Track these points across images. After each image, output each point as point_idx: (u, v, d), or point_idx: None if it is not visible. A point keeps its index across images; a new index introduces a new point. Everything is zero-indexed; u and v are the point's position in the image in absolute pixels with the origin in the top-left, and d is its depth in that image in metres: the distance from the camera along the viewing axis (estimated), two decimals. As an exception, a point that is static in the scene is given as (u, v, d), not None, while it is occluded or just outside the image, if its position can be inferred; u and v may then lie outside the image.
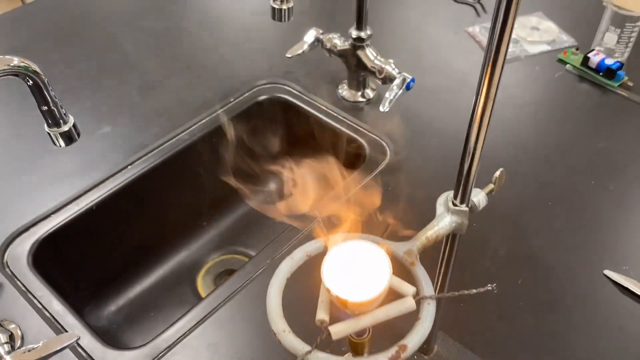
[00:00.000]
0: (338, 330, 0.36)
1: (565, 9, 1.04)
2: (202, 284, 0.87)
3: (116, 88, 0.90)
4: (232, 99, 0.88)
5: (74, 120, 0.54)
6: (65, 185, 0.76)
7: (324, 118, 0.86)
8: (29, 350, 0.54)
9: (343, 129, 0.85)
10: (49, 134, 0.53)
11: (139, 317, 0.83)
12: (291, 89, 0.90)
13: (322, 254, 0.41)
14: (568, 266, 0.67)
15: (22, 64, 0.48)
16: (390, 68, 0.81)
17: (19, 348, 0.59)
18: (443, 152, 0.79)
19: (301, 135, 0.91)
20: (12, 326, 0.61)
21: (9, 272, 0.67)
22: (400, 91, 0.78)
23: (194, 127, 0.85)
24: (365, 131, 0.83)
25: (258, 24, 1.02)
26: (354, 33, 0.81)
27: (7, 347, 0.58)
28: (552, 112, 0.86)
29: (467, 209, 0.43)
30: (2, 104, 0.88)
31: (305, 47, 0.85)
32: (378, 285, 0.36)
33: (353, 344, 0.42)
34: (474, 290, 0.39)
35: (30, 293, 0.65)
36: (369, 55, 0.82)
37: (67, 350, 0.61)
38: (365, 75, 0.86)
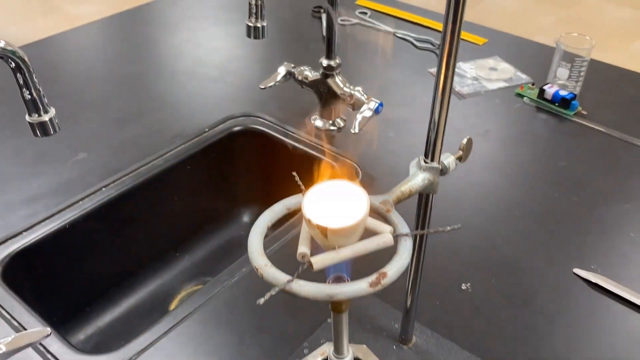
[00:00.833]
0: (318, 260, 0.37)
1: (519, 53, 1.12)
2: (175, 312, 0.85)
3: (92, 121, 0.92)
4: (206, 129, 0.91)
5: (55, 113, 0.56)
6: (39, 205, 0.76)
7: (298, 145, 0.89)
8: (-3, 343, 0.52)
9: (315, 154, 0.87)
10: (29, 122, 0.54)
11: (109, 347, 0.80)
12: (265, 120, 0.93)
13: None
14: (539, 267, 0.69)
15: (9, 48, 0.50)
16: (359, 94, 0.85)
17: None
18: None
19: (275, 163, 0.93)
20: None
21: (-23, 284, 0.65)
22: (370, 114, 0.82)
23: (168, 154, 0.86)
24: (337, 155, 0.86)
25: (232, 65, 1.07)
26: (325, 62, 0.86)
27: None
28: (514, 138, 0.91)
29: (437, 165, 0.45)
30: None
31: (279, 78, 0.89)
32: (356, 215, 0.37)
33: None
34: (448, 228, 0.40)
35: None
36: (339, 83, 0.87)
37: (36, 356, 0.59)
38: (336, 105, 0.90)
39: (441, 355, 0.56)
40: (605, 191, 0.80)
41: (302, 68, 0.90)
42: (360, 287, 0.36)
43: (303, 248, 0.38)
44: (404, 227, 0.40)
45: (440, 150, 0.46)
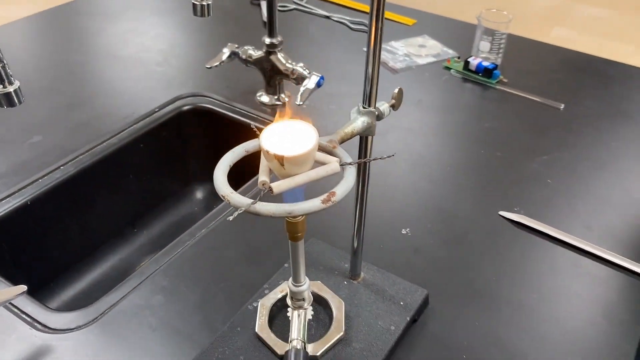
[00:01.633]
0: (278, 185, 0.43)
1: (445, 31, 1.21)
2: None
3: (43, 107, 0.95)
4: (156, 109, 0.95)
5: (19, 85, 0.59)
6: (-2, 184, 0.79)
7: (245, 120, 0.94)
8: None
9: (264, 127, 0.93)
10: (-6, 93, 0.58)
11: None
12: (213, 99, 0.98)
13: (259, 152, 0.49)
14: (469, 212, 0.77)
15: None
16: (302, 69, 0.91)
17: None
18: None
19: (225, 140, 0.98)
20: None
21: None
22: (313, 87, 0.88)
23: (121, 133, 0.90)
24: (283, 127, 0.92)
25: (176, 50, 1.11)
26: (267, 40, 0.92)
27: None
28: (444, 105, 0.99)
29: (374, 110, 0.52)
30: None
31: (224, 57, 0.95)
32: (308, 145, 0.43)
33: (289, 224, 0.49)
34: (385, 156, 0.47)
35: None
36: (282, 60, 0.93)
37: (12, 316, 0.62)
38: (280, 80, 0.96)
39: (387, 286, 0.63)
40: (526, 147, 0.89)
41: (245, 47, 0.95)
42: (314, 204, 0.42)
43: (263, 177, 0.44)
44: (348, 158, 0.47)
45: (375, 99, 0.53)
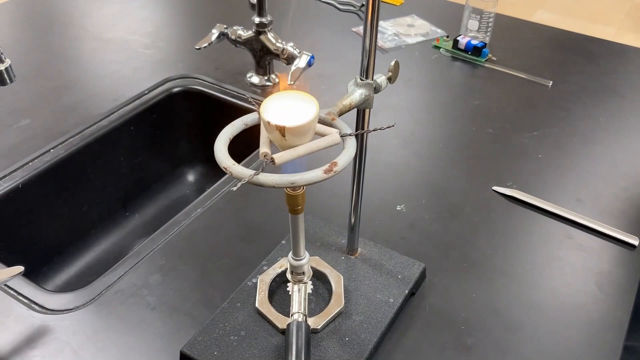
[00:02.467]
0: (279, 156, 0.43)
1: (433, 11, 1.21)
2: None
3: (30, 90, 0.94)
4: (146, 91, 0.94)
5: (10, 64, 0.58)
6: (-12, 168, 0.78)
7: (236, 101, 0.94)
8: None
9: (254, 109, 0.92)
10: (-14, 72, 0.57)
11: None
12: (203, 81, 0.98)
13: (259, 125, 0.49)
14: (463, 188, 0.78)
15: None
16: (292, 48, 0.91)
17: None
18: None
19: (216, 122, 0.98)
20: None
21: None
22: (303, 66, 0.88)
23: (111, 115, 0.89)
24: (274, 107, 0.92)
25: (163, 32, 1.10)
26: (257, 19, 0.91)
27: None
28: (433, 84, 1.00)
29: (371, 82, 0.52)
30: None
31: (213, 38, 0.94)
32: (308, 115, 0.43)
33: (289, 197, 0.49)
34: (385, 126, 0.47)
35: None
36: (272, 40, 0.92)
37: (9, 298, 0.62)
38: (270, 60, 0.95)
39: (384, 261, 0.63)
40: (516, 123, 0.90)
41: (234, 28, 0.94)
42: (316, 174, 0.42)
43: (264, 148, 0.44)
44: (347, 129, 0.47)
45: (373, 71, 0.53)
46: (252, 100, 0.49)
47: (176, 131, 0.99)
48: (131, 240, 0.93)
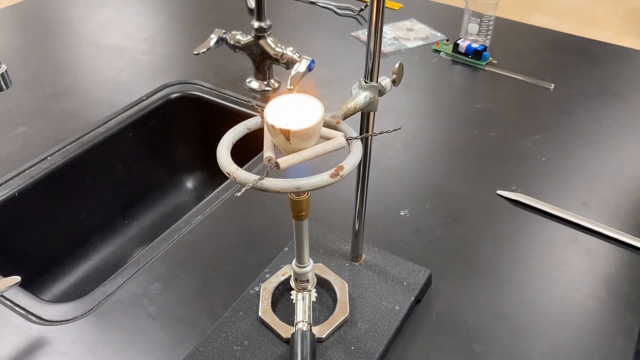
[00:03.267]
0: (284, 160, 0.42)
1: (432, 15, 1.20)
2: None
3: (27, 98, 0.92)
4: (144, 98, 0.93)
5: (6, 69, 0.57)
6: (-16, 176, 0.76)
7: (235, 106, 0.93)
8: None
9: (254, 113, 0.92)
10: (-18, 78, 0.56)
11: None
12: (201, 87, 0.97)
13: (261, 129, 0.48)
14: (467, 192, 0.76)
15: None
16: (291, 53, 0.90)
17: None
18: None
19: (215, 128, 0.97)
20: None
21: None
22: (303, 70, 0.87)
23: (109, 122, 0.88)
24: (274, 113, 0.91)
25: (161, 38, 1.09)
26: (256, 24, 0.90)
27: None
28: (434, 87, 0.99)
29: (376, 84, 0.51)
30: None
31: (212, 43, 0.93)
32: (313, 118, 0.42)
33: (294, 203, 0.48)
34: (391, 129, 0.46)
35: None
36: (271, 44, 0.91)
37: (5, 309, 0.60)
38: (270, 65, 0.94)
39: (389, 267, 0.62)
40: (518, 126, 0.89)
41: (233, 32, 0.93)
42: (323, 178, 0.41)
43: (268, 152, 0.43)
44: (353, 133, 0.46)
45: (378, 73, 0.52)
46: (254, 104, 0.48)
47: (175, 137, 0.98)
48: (130, 249, 0.92)
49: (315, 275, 0.59)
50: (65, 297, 0.83)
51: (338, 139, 0.44)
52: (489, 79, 1.00)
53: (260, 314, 0.57)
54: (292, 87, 0.86)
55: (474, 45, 1.03)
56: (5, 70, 0.57)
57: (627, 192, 0.77)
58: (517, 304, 0.62)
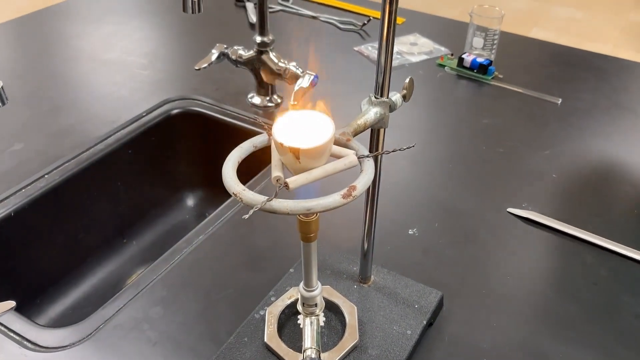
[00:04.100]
0: (294, 180, 0.40)
1: (435, 29, 1.19)
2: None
3: (24, 113, 0.90)
4: (144, 114, 0.91)
5: (2, 85, 0.55)
6: (-21, 195, 0.74)
7: (237, 122, 0.91)
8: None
9: (257, 129, 0.90)
10: (-23, 94, 0.54)
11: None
12: (202, 102, 0.95)
13: (267, 147, 0.46)
14: (477, 210, 0.74)
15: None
16: (294, 68, 0.88)
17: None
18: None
19: (217, 144, 0.95)
20: None
21: None
22: (307, 86, 0.85)
23: (108, 139, 0.86)
24: (277, 129, 0.89)
25: (161, 52, 1.07)
26: (258, 39, 0.88)
27: None
28: (440, 103, 0.97)
29: (387, 99, 0.49)
30: None
31: (213, 58, 0.91)
32: (324, 136, 0.40)
33: (302, 224, 0.45)
34: (404, 147, 0.44)
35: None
36: (274, 59, 0.89)
37: (1, 336, 0.58)
38: (272, 81, 0.92)
39: (399, 289, 0.60)
40: (527, 141, 0.87)
41: (235, 47, 0.92)
42: (334, 199, 0.39)
43: (277, 172, 0.41)
44: (364, 151, 0.44)
45: (388, 88, 0.50)
46: (260, 121, 0.46)
47: (175, 154, 0.96)
48: (129, 269, 0.89)
49: (323, 298, 0.56)
50: (62, 321, 0.80)
51: (349, 157, 0.42)
52: (495, 94, 0.99)
53: (265, 340, 0.54)
54: (295, 103, 0.84)
55: (479, 60, 1.02)
56: (2, 87, 0.55)
57: (641, 209, 0.75)
58: (533, 326, 0.59)
